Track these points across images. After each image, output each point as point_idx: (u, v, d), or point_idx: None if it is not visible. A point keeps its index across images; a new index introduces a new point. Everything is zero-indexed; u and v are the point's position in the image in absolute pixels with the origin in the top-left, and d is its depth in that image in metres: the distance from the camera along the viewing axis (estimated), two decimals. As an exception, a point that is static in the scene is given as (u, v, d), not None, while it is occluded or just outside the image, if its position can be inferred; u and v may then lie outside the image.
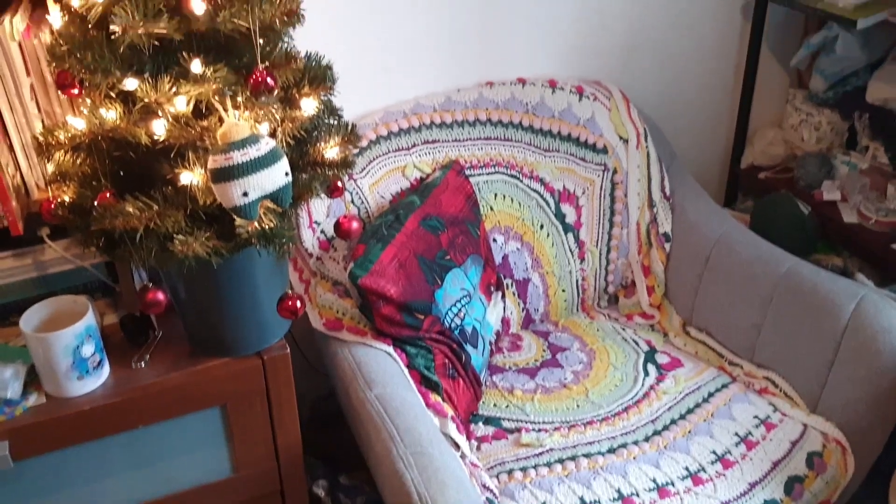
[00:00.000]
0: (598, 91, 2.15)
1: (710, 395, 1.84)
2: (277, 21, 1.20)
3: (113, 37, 1.10)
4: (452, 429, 1.63)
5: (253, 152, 1.16)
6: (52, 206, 1.29)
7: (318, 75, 1.30)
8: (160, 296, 1.28)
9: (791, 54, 2.40)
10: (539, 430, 1.75)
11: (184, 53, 1.16)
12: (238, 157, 1.15)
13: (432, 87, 2.10)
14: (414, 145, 2.00)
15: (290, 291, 1.37)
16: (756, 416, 1.77)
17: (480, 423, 1.78)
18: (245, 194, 1.17)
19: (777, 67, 2.49)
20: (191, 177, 1.20)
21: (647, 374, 1.91)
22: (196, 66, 1.15)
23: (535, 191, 2.09)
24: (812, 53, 2.33)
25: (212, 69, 1.15)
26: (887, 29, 2.05)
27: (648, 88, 2.36)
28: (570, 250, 2.11)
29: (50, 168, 1.30)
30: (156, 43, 1.12)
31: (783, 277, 1.84)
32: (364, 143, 1.93)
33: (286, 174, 1.21)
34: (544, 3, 2.14)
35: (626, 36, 2.28)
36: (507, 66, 2.17)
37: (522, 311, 2.07)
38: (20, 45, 1.33)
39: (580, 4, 2.18)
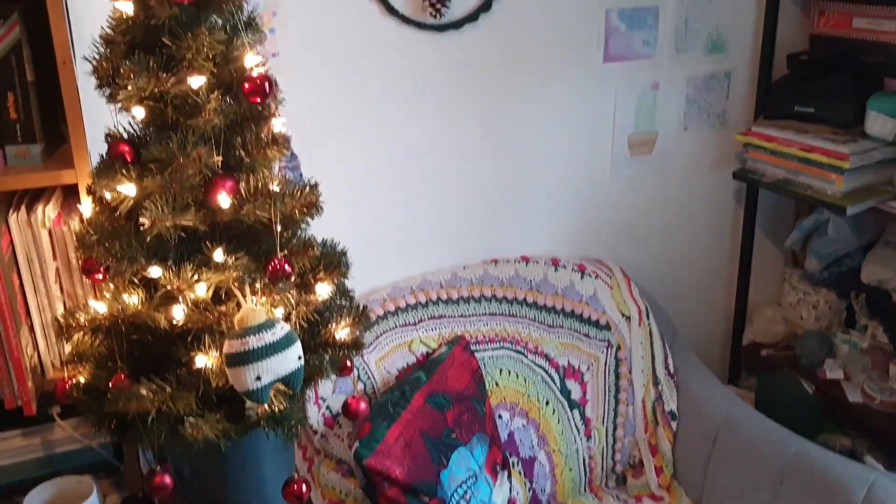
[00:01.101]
0: (600, 269, 2.21)
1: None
2: (297, 212, 1.27)
3: (142, 228, 1.16)
4: None
5: (268, 337, 1.19)
6: (68, 386, 1.31)
7: (334, 261, 1.36)
8: (167, 480, 1.27)
9: (785, 235, 2.48)
10: None
11: (207, 243, 1.22)
12: (254, 342, 1.18)
13: (439, 264, 2.17)
14: (420, 320, 2.04)
15: (295, 475, 1.36)
16: None
17: None
18: (258, 378, 1.19)
19: (772, 247, 2.57)
20: (205, 360, 1.22)
21: (658, 560, 1.86)
22: (218, 254, 1.21)
23: (540, 366, 2.10)
24: (805, 235, 2.42)
25: (233, 258, 1.20)
26: (876, 214, 2.13)
27: (648, 267, 2.42)
28: (577, 427, 2.10)
29: (67, 348, 1.33)
30: (182, 234, 1.18)
31: (792, 459, 1.82)
32: (371, 318, 1.97)
33: (299, 358, 1.24)
34: (547, 186, 2.25)
35: (625, 217, 2.38)
36: (511, 245, 2.25)
37: (529, 491, 2.04)
38: (50, 232, 1.39)
39: (581, 187, 2.29)
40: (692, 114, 2.35)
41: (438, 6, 1.96)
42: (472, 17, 2.02)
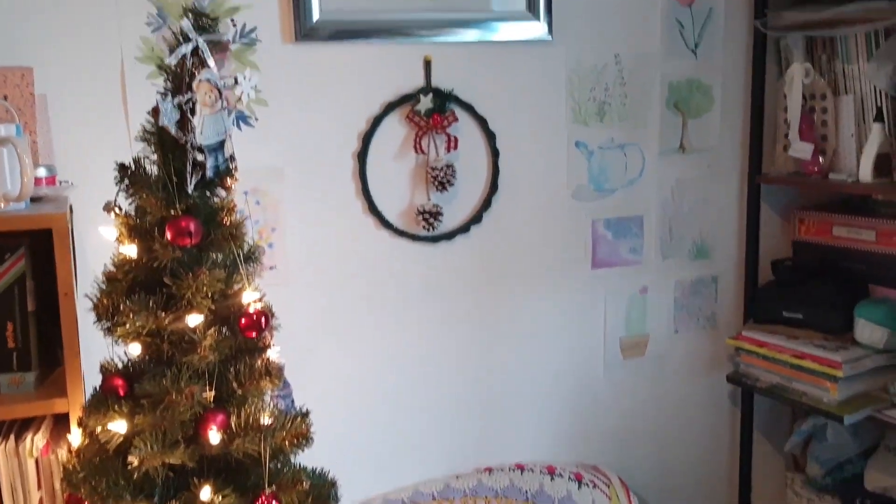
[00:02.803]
0: (597, 478, 2.16)
1: None
2: (287, 444, 1.25)
3: (130, 466, 1.14)
4: None
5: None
6: None
7: (323, 494, 1.33)
8: None
9: (784, 437, 2.44)
10: None
11: (195, 479, 1.20)
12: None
13: (431, 472, 2.12)
14: (413, 538, 1.96)
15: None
16: None
17: None
18: None
19: (772, 450, 2.52)
20: None
21: None
22: (205, 493, 1.18)
23: (538, 586, 2.01)
24: (804, 439, 2.38)
25: (220, 496, 1.18)
26: (874, 421, 2.11)
27: (646, 472, 2.37)
28: None
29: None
30: (170, 473, 1.16)
31: None
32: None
33: None
34: (540, 391, 2.24)
35: (621, 420, 2.35)
36: (505, 451, 2.21)
37: None
38: (37, 461, 1.37)
39: (574, 391, 2.28)
40: (682, 317, 2.38)
41: (431, 220, 2.03)
42: (464, 229, 2.09)
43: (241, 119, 1.83)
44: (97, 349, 1.28)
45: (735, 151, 2.34)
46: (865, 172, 2.03)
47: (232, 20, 1.79)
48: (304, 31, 1.88)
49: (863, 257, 2.20)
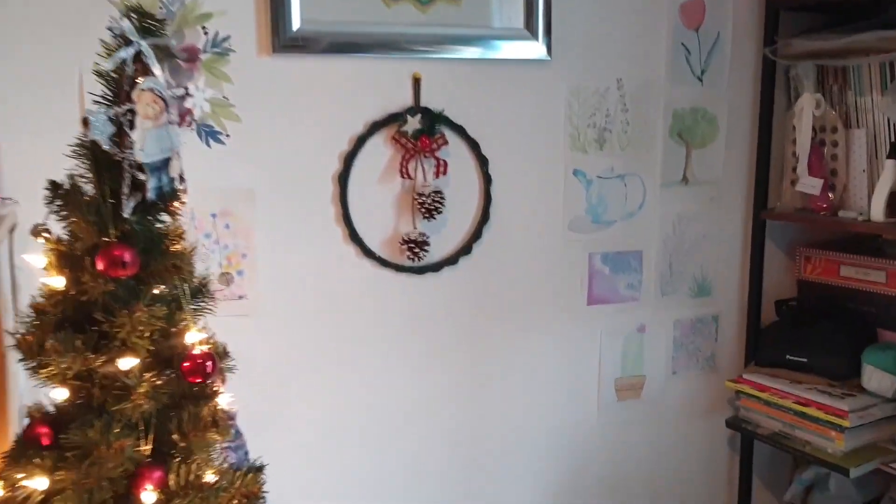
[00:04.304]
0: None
1: None
2: (236, 504, 1.11)
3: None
4: None
5: None
6: None
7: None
8: None
9: (784, 486, 2.32)
10: None
11: (125, 543, 1.06)
12: None
13: (412, 522, 1.98)
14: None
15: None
16: None
17: None
18: None
19: (771, 498, 2.40)
20: None
21: None
22: (136, 561, 1.04)
23: None
24: (805, 488, 2.25)
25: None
26: (880, 473, 1.98)
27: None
28: None
29: None
30: (94, 538, 1.02)
31: None
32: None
33: None
34: (530, 436, 2.12)
35: (615, 467, 2.23)
36: (494, 500, 2.09)
37: None
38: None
39: (567, 435, 2.16)
40: (680, 357, 2.26)
41: (417, 250, 1.91)
42: (452, 261, 1.97)
43: (211, 135, 1.74)
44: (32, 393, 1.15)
45: (740, 185, 2.23)
46: (877, 211, 1.92)
47: (203, 28, 1.68)
48: (283, 41, 1.75)
49: (872, 300, 2.11)
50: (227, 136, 1.75)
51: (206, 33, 1.70)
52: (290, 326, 1.86)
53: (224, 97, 1.73)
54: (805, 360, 2.13)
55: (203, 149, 1.73)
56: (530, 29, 1.93)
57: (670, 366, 2.25)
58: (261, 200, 1.80)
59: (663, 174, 2.13)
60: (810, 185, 2.07)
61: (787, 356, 2.15)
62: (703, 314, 2.26)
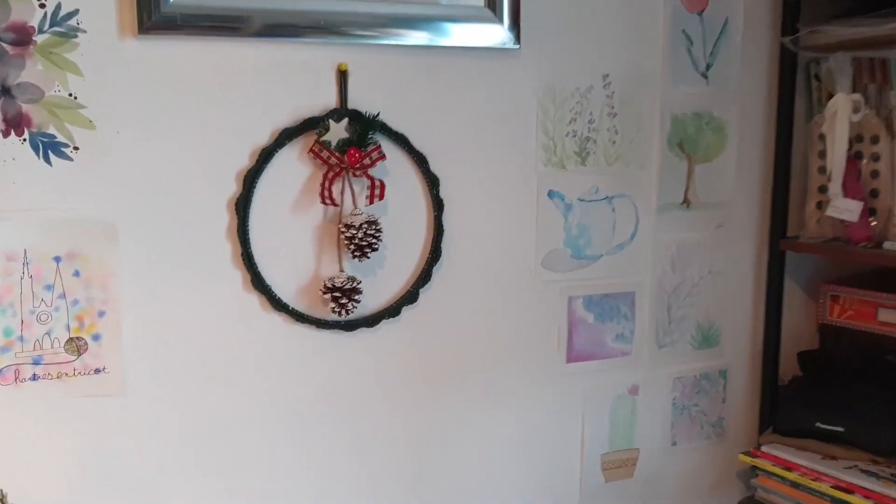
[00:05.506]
0: None
1: None
2: None
3: None
4: None
5: None
6: None
7: None
8: None
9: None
10: None
11: None
12: None
13: None
14: None
15: None
16: None
17: None
18: None
19: None
20: None
21: None
22: None
23: None
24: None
25: None
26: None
27: None
28: None
29: None
30: None
31: None
32: None
33: None
34: None
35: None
36: None
37: None
38: None
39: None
40: (681, 424, 1.92)
41: (344, 301, 1.48)
42: (393, 312, 1.58)
43: (52, 148, 1.32)
44: None
45: (754, 208, 1.90)
46: (931, 240, 1.59)
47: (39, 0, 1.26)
48: (154, 18, 1.30)
49: (920, 352, 1.78)
50: (76, 148, 1.35)
51: (42, 6, 1.30)
52: (168, 409, 1.44)
53: (70, 95, 1.32)
54: (841, 429, 1.78)
55: (40, 167, 1.33)
56: (493, 8, 1.55)
57: (669, 436, 1.91)
58: (125, 237, 1.37)
59: (660, 195, 1.80)
60: (846, 208, 1.72)
61: (818, 423, 1.80)
62: (708, 369, 1.92)
